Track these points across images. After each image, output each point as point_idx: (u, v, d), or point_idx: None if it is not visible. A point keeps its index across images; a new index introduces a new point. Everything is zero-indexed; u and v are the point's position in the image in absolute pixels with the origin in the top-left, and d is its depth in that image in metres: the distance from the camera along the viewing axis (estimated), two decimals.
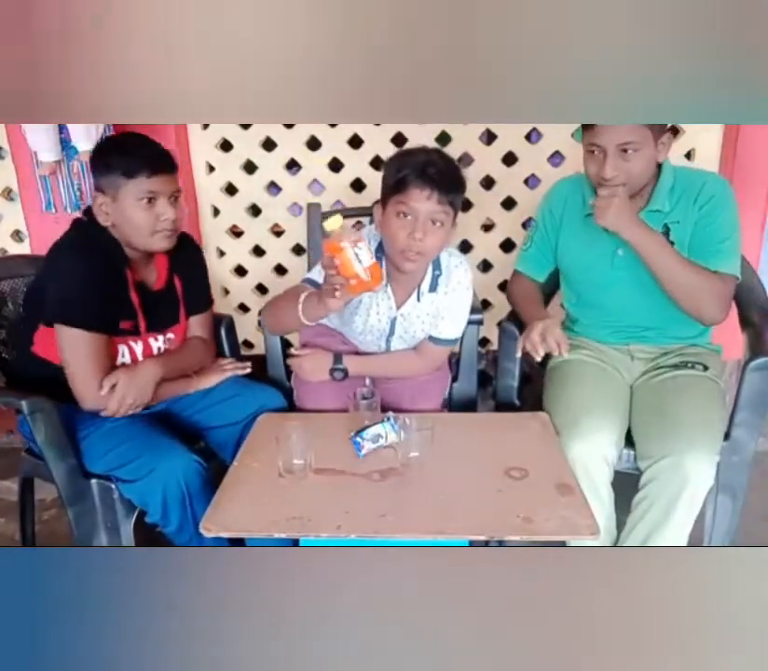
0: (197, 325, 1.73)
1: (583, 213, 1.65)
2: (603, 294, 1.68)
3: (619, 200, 1.47)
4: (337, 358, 1.67)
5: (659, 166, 1.56)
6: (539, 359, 1.53)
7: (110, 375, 1.47)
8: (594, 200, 1.52)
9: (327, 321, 1.75)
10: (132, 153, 1.44)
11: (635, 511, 1.46)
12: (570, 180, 1.75)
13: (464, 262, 1.66)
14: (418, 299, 1.64)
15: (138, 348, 1.58)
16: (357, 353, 1.76)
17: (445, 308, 1.65)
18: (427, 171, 1.43)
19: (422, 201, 1.44)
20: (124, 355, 1.56)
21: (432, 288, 1.63)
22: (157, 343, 1.61)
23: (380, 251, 1.59)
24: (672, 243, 1.56)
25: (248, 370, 1.75)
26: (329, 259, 1.34)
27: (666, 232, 1.58)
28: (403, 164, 1.47)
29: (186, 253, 1.65)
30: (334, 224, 1.32)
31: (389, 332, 1.70)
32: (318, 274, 1.59)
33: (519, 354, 1.61)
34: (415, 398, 1.69)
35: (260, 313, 1.85)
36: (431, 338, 1.69)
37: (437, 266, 1.62)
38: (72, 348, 1.44)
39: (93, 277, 1.44)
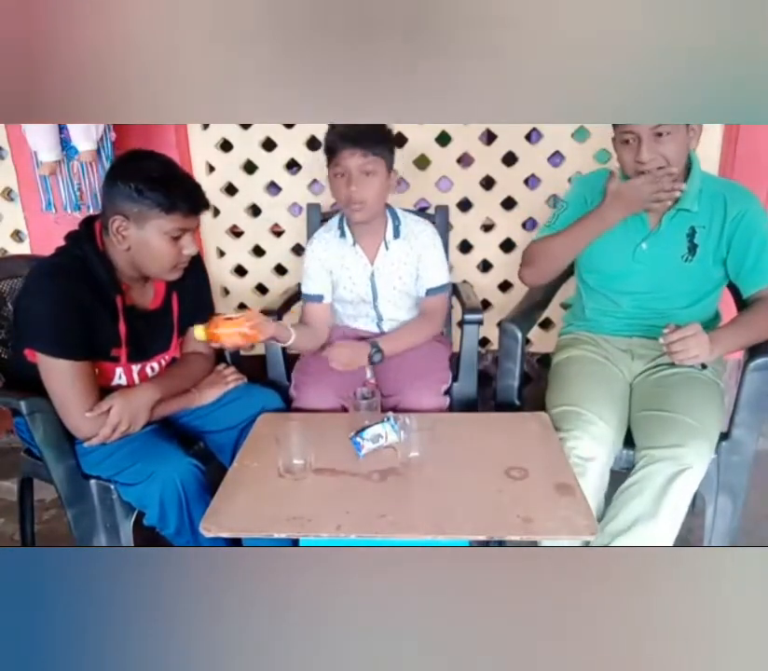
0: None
1: None
2: (617, 283, 1.70)
3: (695, 339, 1.41)
4: (374, 343, 1.74)
5: (688, 168, 1.57)
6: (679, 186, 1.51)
7: (105, 399, 1.42)
8: (665, 338, 1.43)
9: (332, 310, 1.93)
10: (175, 189, 1.37)
11: (620, 496, 1.41)
12: (606, 173, 1.73)
13: (419, 217, 1.89)
14: (387, 248, 1.81)
15: (135, 368, 1.54)
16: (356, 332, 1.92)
17: (419, 257, 1.81)
18: (348, 134, 1.64)
19: (349, 158, 1.64)
20: (121, 377, 1.52)
21: (396, 235, 1.81)
22: (150, 369, 1.58)
23: (342, 221, 1.83)
24: (696, 246, 1.59)
25: (245, 380, 1.72)
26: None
27: (692, 234, 1.60)
28: (330, 134, 1.69)
29: (187, 267, 1.53)
30: (200, 334, 1.53)
31: (373, 295, 1.85)
32: (310, 287, 1.86)
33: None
34: (415, 384, 1.70)
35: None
36: (425, 293, 1.84)
37: (395, 216, 1.82)
38: (54, 377, 1.39)
39: (73, 306, 1.37)
